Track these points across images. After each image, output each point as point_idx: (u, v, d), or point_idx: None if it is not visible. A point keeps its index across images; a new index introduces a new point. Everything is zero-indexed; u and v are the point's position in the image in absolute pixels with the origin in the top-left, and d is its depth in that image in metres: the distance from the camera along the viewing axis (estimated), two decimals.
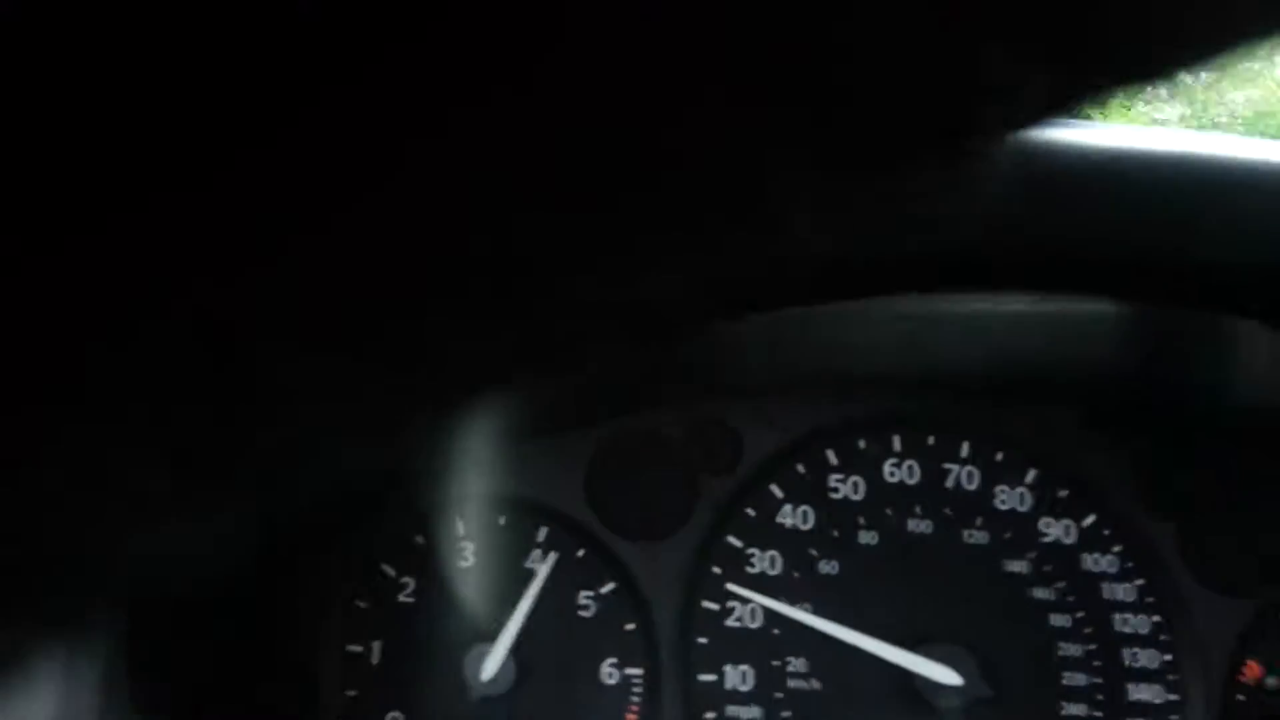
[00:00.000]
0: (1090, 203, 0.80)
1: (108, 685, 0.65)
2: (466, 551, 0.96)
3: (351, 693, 0.93)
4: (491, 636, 0.93)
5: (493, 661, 0.93)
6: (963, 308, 0.97)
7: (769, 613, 0.97)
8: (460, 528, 0.96)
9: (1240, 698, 0.98)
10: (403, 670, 0.94)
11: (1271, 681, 0.99)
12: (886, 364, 1.00)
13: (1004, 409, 1.01)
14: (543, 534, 0.97)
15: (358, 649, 0.94)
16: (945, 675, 0.95)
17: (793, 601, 0.98)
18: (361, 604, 0.94)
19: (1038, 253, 0.85)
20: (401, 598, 0.95)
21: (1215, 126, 1.60)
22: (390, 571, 0.95)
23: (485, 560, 0.95)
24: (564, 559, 0.97)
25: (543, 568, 0.96)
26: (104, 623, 0.64)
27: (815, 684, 0.97)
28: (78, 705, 0.63)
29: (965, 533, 1.00)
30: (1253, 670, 0.98)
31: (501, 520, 0.97)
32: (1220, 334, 0.94)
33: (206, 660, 0.84)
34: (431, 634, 0.94)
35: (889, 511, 1.00)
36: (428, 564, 0.94)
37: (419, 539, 0.96)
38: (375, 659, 0.94)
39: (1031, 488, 1.01)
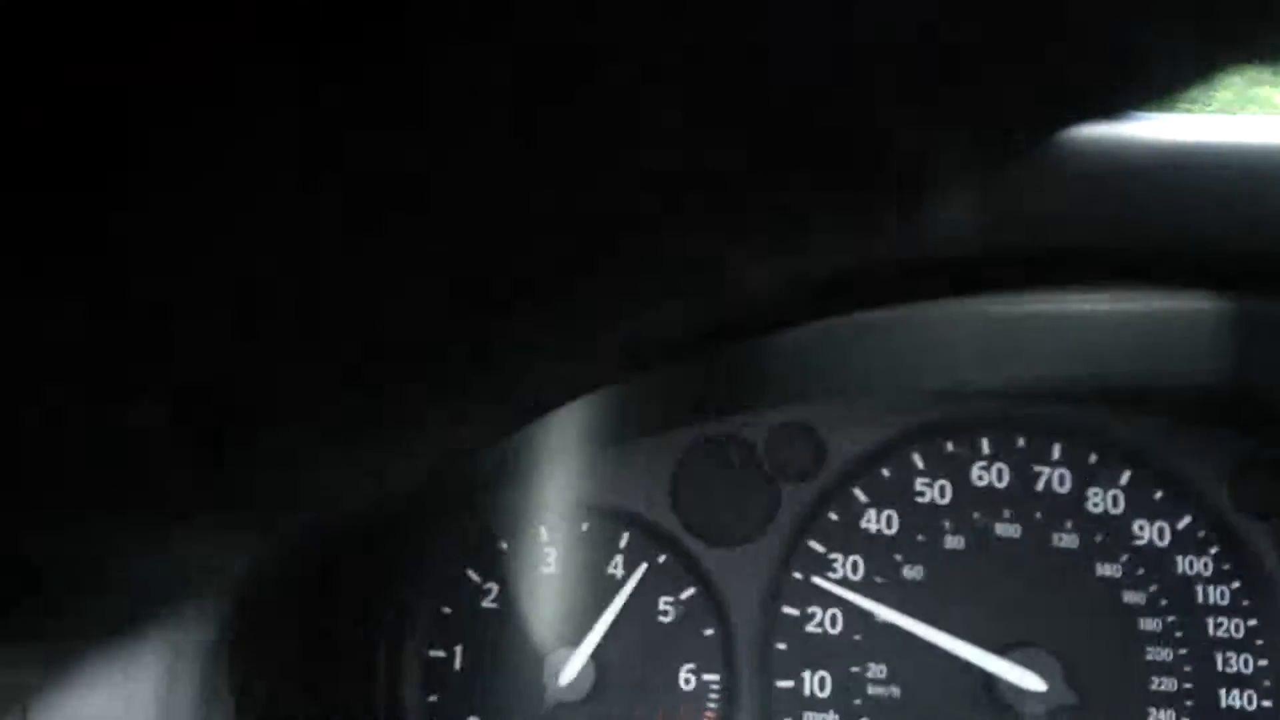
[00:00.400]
0: (1170, 193, 0.77)
1: (206, 686, 0.65)
2: (550, 558, 0.95)
3: (433, 698, 0.94)
4: (572, 642, 0.93)
5: (573, 666, 0.92)
6: (1049, 308, 0.94)
7: (849, 618, 0.96)
8: (544, 534, 0.96)
9: None
10: (483, 675, 0.94)
11: None
12: (973, 367, 0.97)
13: (1096, 411, 0.98)
14: (625, 540, 0.96)
15: (441, 654, 0.94)
16: (1030, 681, 0.93)
17: (873, 606, 0.96)
18: (446, 609, 0.94)
19: (1120, 245, 0.83)
20: (485, 603, 0.95)
21: None
22: (475, 577, 0.95)
23: (568, 567, 0.95)
24: (645, 564, 0.96)
25: (631, 575, 0.95)
26: (201, 619, 0.64)
27: (894, 691, 0.95)
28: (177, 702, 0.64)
29: (1055, 536, 0.97)
30: None
31: (585, 527, 0.96)
32: None
33: (295, 661, 0.84)
34: (513, 639, 0.94)
35: (976, 515, 0.98)
36: (511, 570, 0.94)
37: (503, 545, 0.95)
38: (458, 664, 0.94)
39: (1125, 489, 0.99)
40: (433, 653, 0.94)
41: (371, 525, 0.79)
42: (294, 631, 0.80)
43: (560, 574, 0.95)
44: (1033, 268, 0.86)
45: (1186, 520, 0.98)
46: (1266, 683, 0.96)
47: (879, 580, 0.97)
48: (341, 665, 0.88)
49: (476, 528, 0.95)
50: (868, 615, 0.96)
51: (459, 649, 0.95)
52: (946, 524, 0.97)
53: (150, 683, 0.56)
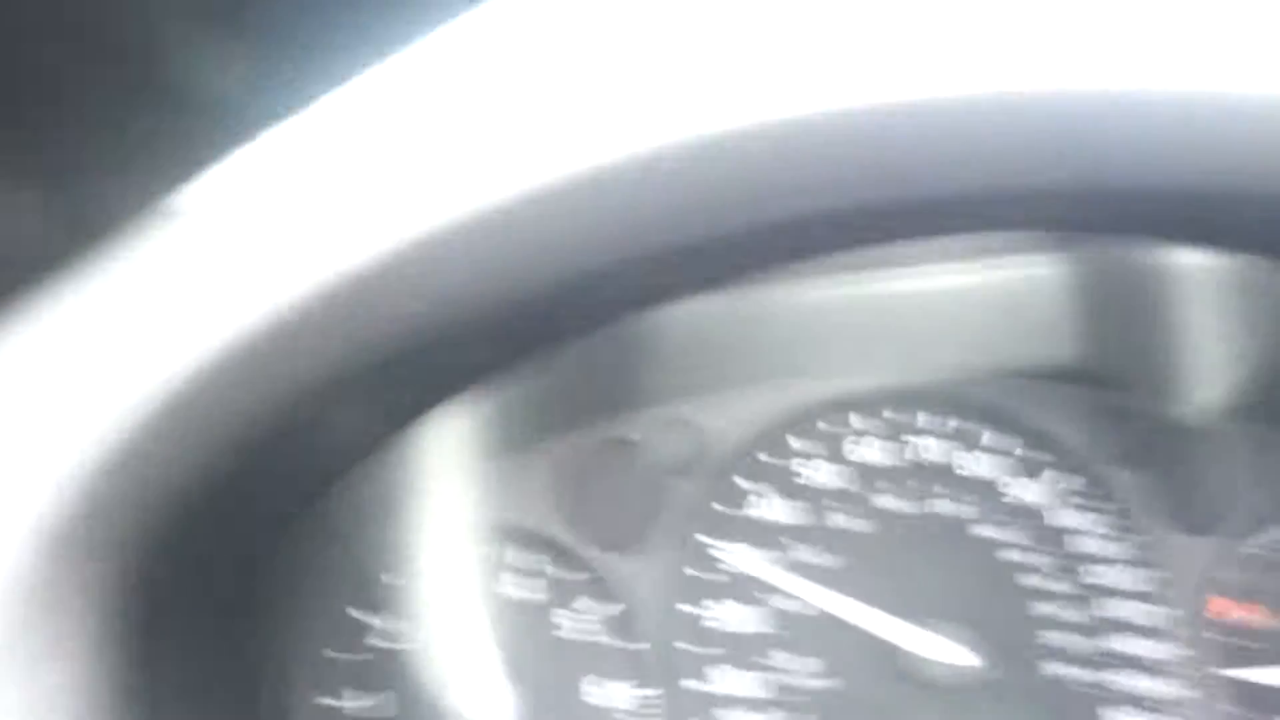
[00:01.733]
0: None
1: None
2: (437, 584, 0.92)
3: None
4: (473, 670, 0.90)
5: (476, 695, 0.89)
6: (910, 284, 0.98)
7: (748, 610, 0.96)
8: (429, 560, 0.92)
9: (1210, 635, 1.00)
10: (379, 717, 0.90)
11: (1239, 616, 1.01)
12: (838, 346, 0.99)
13: (955, 377, 1.02)
14: (512, 556, 0.94)
15: (330, 701, 0.89)
16: (932, 648, 0.95)
17: (771, 594, 0.96)
18: (329, 653, 0.90)
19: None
20: (370, 640, 0.91)
21: None
22: (356, 615, 0.91)
23: (456, 591, 0.92)
24: (535, 578, 0.94)
25: (514, 593, 0.93)
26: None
27: (808, 680, 0.95)
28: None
29: (931, 504, 1.00)
30: (1218, 606, 1.01)
31: (470, 547, 0.93)
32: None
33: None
34: (404, 676, 0.90)
35: (855, 490, 0.99)
36: (396, 604, 0.91)
37: (384, 578, 0.91)
38: (348, 710, 0.90)
39: (988, 450, 1.02)
40: (320, 700, 0.89)
41: (242, 565, 0.74)
42: (167, 680, 0.74)
43: (450, 600, 0.92)
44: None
45: (1052, 475, 1.02)
46: (1146, 623, 0.99)
47: (770, 566, 0.97)
48: (222, 716, 0.83)
49: (354, 563, 0.91)
50: (766, 604, 0.96)
51: (346, 694, 0.90)
52: (828, 503, 0.99)
53: None
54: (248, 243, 0.48)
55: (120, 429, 0.48)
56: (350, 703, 0.90)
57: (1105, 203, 0.57)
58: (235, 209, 0.47)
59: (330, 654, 0.90)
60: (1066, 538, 1.01)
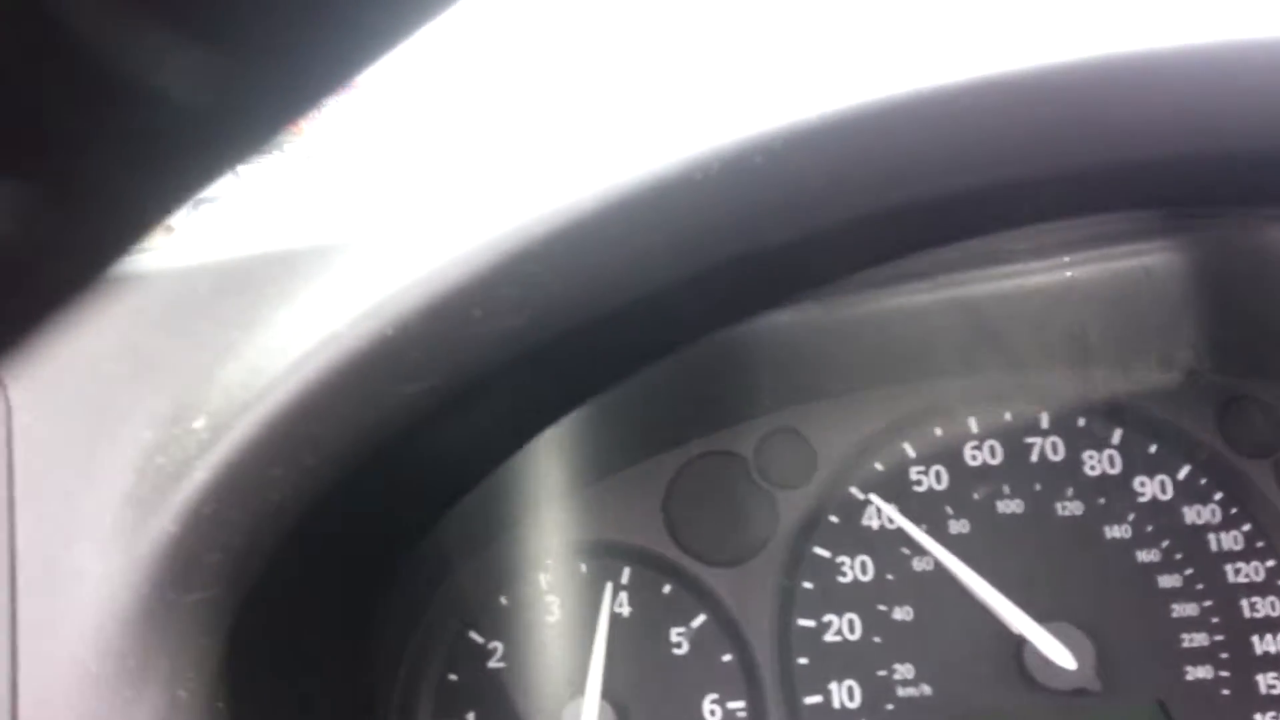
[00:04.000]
0: None
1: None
2: (552, 606, 0.92)
3: None
4: (587, 691, 0.89)
5: (588, 715, 0.88)
6: (1022, 282, 0.94)
7: (868, 621, 0.93)
8: (543, 582, 0.92)
9: None
10: None
11: None
12: (951, 349, 0.96)
13: (1078, 373, 0.97)
14: (626, 575, 0.93)
15: None
16: (1059, 655, 0.90)
17: (891, 605, 0.94)
18: (452, 677, 0.90)
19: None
20: (491, 664, 0.91)
21: None
22: (477, 639, 0.91)
23: (571, 612, 0.91)
24: (651, 596, 0.93)
25: (609, 608, 0.91)
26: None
27: (925, 689, 0.92)
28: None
29: (1059, 506, 0.96)
30: None
31: (583, 567, 0.93)
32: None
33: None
34: (525, 697, 0.90)
35: (976, 496, 0.96)
36: (514, 625, 0.91)
37: (503, 600, 0.92)
38: None
39: (1119, 448, 0.97)
40: None
41: (360, 588, 0.75)
42: (292, 700, 0.76)
43: (564, 620, 0.91)
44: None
45: (1186, 470, 0.97)
46: None
47: (890, 577, 0.94)
48: None
49: (473, 587, 0.91)
50: (886, 615, 0.93)
51: (470, 717, 0.90)
52: (948, 509, 0.95)
53: None
54: (358, 257, 0.49)
55: (233, 447, 0.49)
56: None
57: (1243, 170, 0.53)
58: (346, 222, 0.48)
59: (452, 677, 0.90)
60: (1209, 535, 0.95)
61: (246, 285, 0.55)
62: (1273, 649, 0.93)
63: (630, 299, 0.50)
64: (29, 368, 0.53)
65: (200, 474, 0.50)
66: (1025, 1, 0.50)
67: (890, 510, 0.95)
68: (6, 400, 0.55)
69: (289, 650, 0.64)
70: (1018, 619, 0.90)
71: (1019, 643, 0.91)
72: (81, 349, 0.54)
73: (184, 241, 0.56)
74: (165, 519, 0.51)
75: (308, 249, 0.55)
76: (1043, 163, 0.48)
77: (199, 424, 0.51)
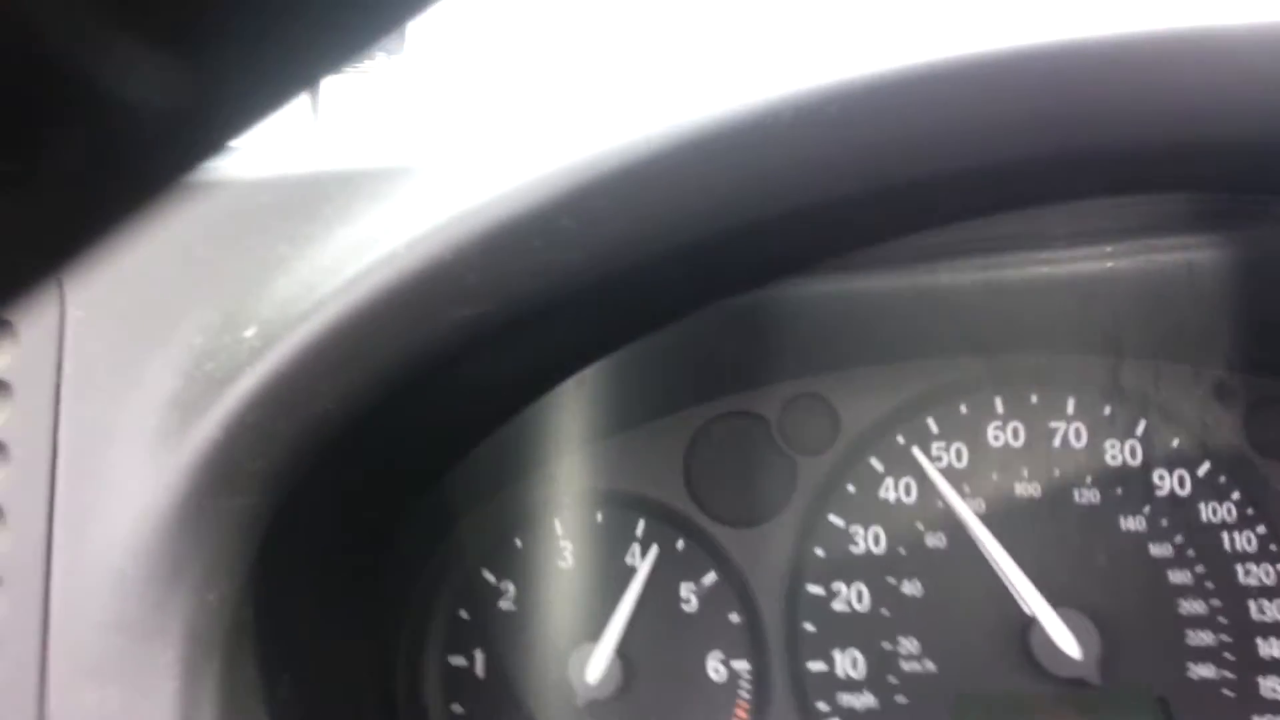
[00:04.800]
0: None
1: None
2: (566, 552, 0.92)
3: (456, 707, 0.90)
4: (595, 637, 0.90)
5: (598, 663, 0.89)
6: (1058, 269, 0.94)
7: (876, 593, 0.94)
8: (558, 528, 0.93)
9: None
10: (508, 679, 0.91)
11: None
12: (980, 329, 0.96)
13: (1107, 361, 0.97)
14: (641, 527, 0.93)
15: (461, 661, 0.91)
16: (1066, 642, 0.91)
17: (900, 579, 0.94)
18: (463, 614, 0.91)
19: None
20: (502, 604, 0.92)
21: None
22: (490, 578, 0.92)
23: (585, 559, 0.92)
24: (664, 551, 0.93)
25: (643, 564, 0.92)
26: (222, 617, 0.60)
27: (929, 664, 0.93)
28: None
29: (1076, 492, 0.96)
30: None
31: (599, 517, 0.93)
32: None
33: (311, 669, 0.81)
34: (535, 640, 0.91)
35: (995, 476, 0.96)
36: (527, 568, 0.91)
37: (517, 542, 0.92)
38: (479, 670, 0.91)
39: (1141, 439, 0.97)
40: (453, 660, 0.91)
41: (387, 516, 0.76)
42: (311, 639, 0.76)
43: (577, 568, 0.92)
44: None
45: (1206, 466, 0.97)
46: None
47: (902, 551, 0.94)
48: (360, 675, 0.85)
49: (489, 527, 0.92)
50: (895, 589, 0.94)
51: (479, 655, 0.91)
52: (966, 488, 0.96)
53: (170, 680, 0.53)
54: (418, 181, 0.49)
55: (282, 357, 0.50)
56: (481, 663, 0.91)
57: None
58: (408, 146, 0.48)
59: (463, 614, 0.91)
60: (1223, 534, 0.95)
61: (304, 202, 0.55)
62: (1278, 653, 0.93)
63: (687, 243, 0.50)
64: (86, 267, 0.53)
65: (248, 382, 0.51)
66: None
67: (931, 469, 0.95)
68: (61, 297, 0.55)
69: (315, 567, 0.64)
70: (1034, 599, 0.90)
71: (1026, 626, 0.91)
72: (138, 252, 0.54)
73: (248, 154, 0.56)
74: (210, 424, 0.51)
75: (368, 170, 0.55)
76: (1107, 134, 0.48)
77: (249, 333, 0.52)
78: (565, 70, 0.55)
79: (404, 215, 0.51)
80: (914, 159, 0.46)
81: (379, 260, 0.49)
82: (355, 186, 0.54)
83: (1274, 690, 0.92)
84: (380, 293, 0.48)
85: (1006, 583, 0.91)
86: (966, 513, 0.93)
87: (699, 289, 0.59)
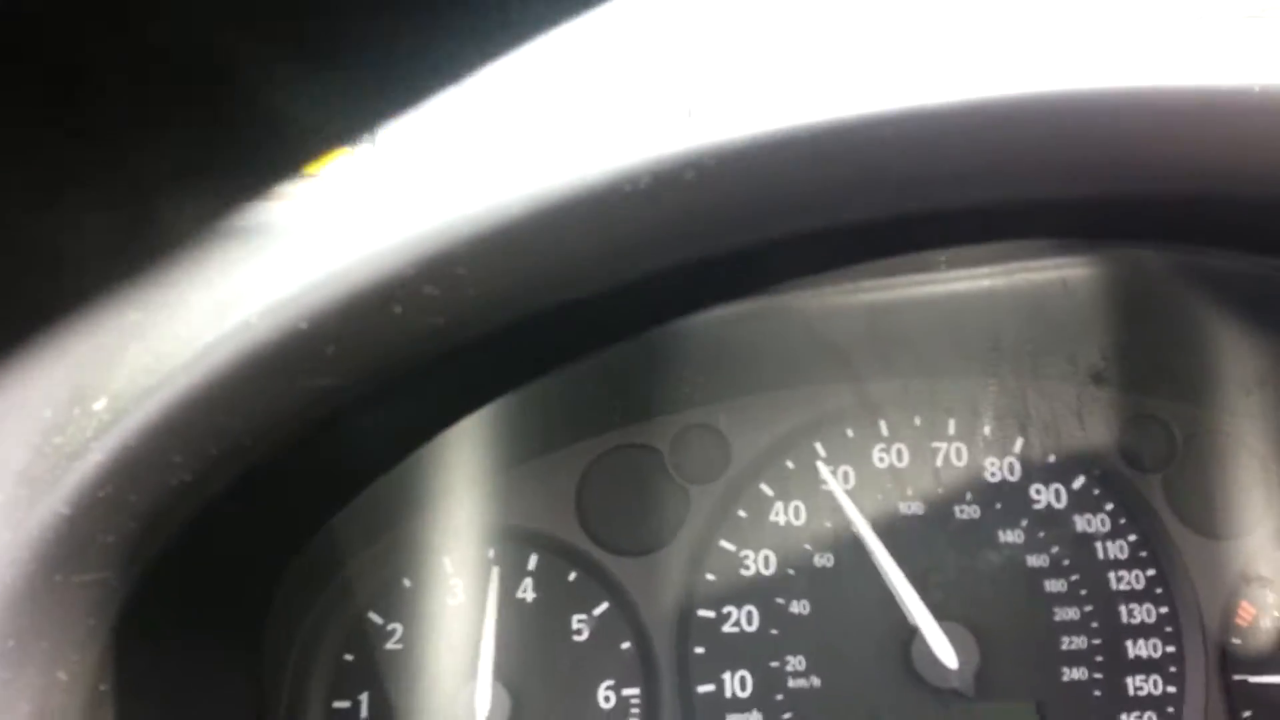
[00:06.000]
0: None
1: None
2: (456, 589, 0.91)
3: None
4: (485, 673, 0.89)
5: (482, 700, 0.88)
6: (937, 289, 0.96)
7: (765, 614, 0.95)
8: (448, 565, 0.92)
9: (1236, 641, 0.98)
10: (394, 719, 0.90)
11: (1266, 622, 0.99)
12: (863, 352, 0.98)
13: (985, 382, 1.00)
14: (533, 561, 0.93)
15: (345, 705, 0.89)
16: (945, 653, 0.93)
17: (789, 599, 0.95)
18: (348, 656, 0.89)
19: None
20: (389, 645, 0.90)
21: None
22: (377, 619, 0.90)
23: (475, 596, 0.91)
24: (556, 584, 0.93)
25: (494, 592, 0.91)
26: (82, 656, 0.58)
27: (815, 680, 0.94)
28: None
29: (958, 509, 0.98)
30: (1246, 612, 0.99)
31: (490, 552, 0.92)
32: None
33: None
34: (423, 679, 0.90)
35: (880, 497, 0.98)
36: (416, 607, 0.90)
37: (406, 582, 0.91)
38: (364, 713, 0.89)
39: (1019, 456, 1.00)
40: (336, 704, 0.89)
41: (262, 575, 0.73)
42: (180, 700, 0.74)
43: (467, 604, 0.91)
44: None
45: (1080, 480, 1.01)
46: (1168, 629, 0.98)
47: (791, 571, 0.96)
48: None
49: (376, 568, 0.90)
50: (784, 608, 0.95)
51: (364, 697, 0.89)
52: (854, 509, 0.97)
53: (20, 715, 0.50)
54: (274, 243, 0.47)
55: (132, 430, 0.48)
56: (366, 706, 0.89)
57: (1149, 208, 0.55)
58: (264, 206, 0.46)
59: (348, 657, 0.89)
60: (1096, 543, 0.99)
61: (155, 265, 0.53)
62: (1144, 653, 0.97)
63: (553, 305, 0.49)
64: None
65: (97, 456, 0.49)
66: (959, 30, 0.50)
67: (835, 485, 0.96)
68: None
69: (178, 634, 0.62)
70: (918, 611, 0.93)
71: (908, 640, 0.93)
72: None
73: None
74: (58, 499, 0.49)
75: (223, 230, 0.53)
76: (973, 193, 0.49)
77: (99, 405, 0.49)
78: (426, 132, 0.54)
79: (259, 280, 0.49)
80: (770, 220, 0.47)
81: (231, 330, 0.47)
82: (209, 248, 0.52)
83: (1139, 688, 0.96)
84: (233, 365, 0.46)
85: (895, 595, 0.93)
86: (863, 525, 0.95)
87: (571, 344, 0.59)
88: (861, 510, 0.97)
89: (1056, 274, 0.97)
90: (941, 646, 0.93)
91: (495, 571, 0.92)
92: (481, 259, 0.46)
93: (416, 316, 0.47)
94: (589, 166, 0.46)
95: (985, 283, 0.97)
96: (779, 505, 0.97)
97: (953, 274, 0.97)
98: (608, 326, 0.60)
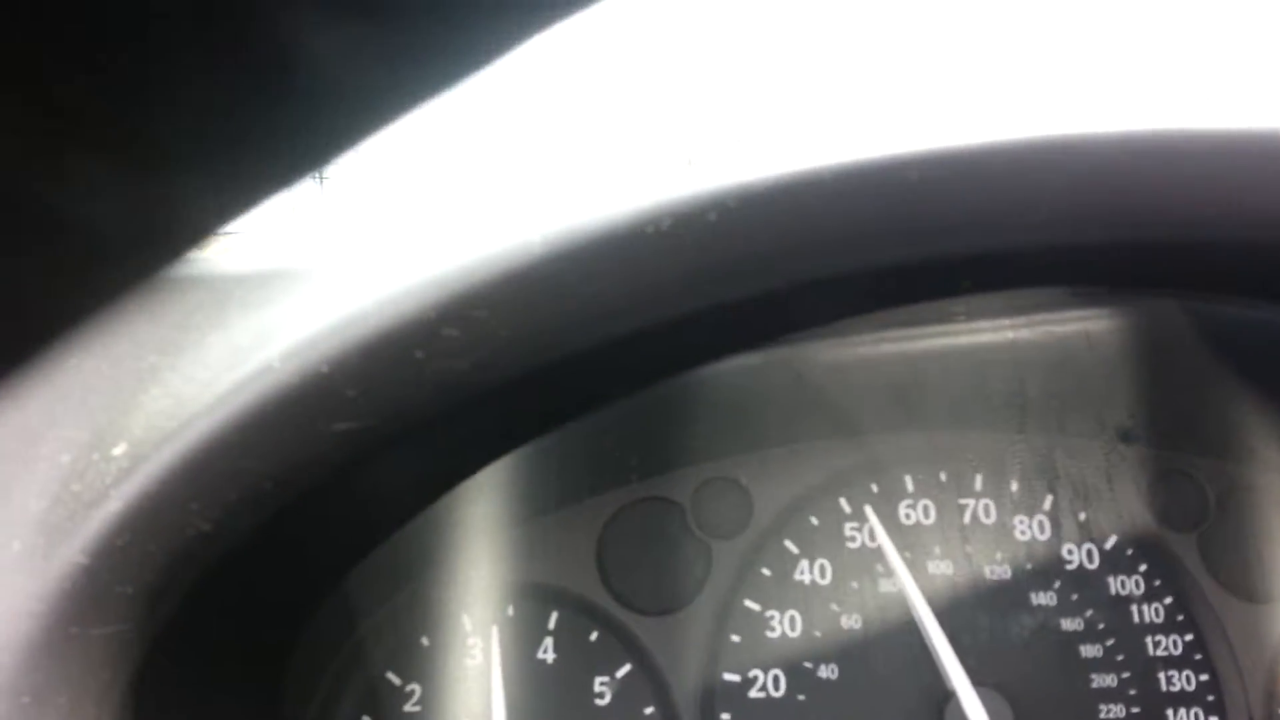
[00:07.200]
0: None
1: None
2: (475, 649, 0.89)
3: None
4: None
5: None
6: (948, 341, 0.95)
7: (792, 679, 0.93)
8: (467, 624, 0.90)
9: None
10: None
11: None
12: (885, 405, 0.97)
13: (1013, 437, 0.99)
14: (554, 620, 0.91)
15: None
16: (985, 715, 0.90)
17: (816, 662, 0.93)
18: (366, 718, 0.87)
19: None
20: (408, 707, 0.88)
21: None
22: (395, 680, 0.88)
23: (496, 656, 0.89)
24: (577, 644, 0.91)
25: (497, 653, 0.89)
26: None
27: None
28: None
29: (988, 569, 0.96)
30: None
31: (510, 610, 0.91)
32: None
33: None
34: None
35: (908, 555, 0.96)
36: (434, 667, 0.88)
37: (424, 640, 0.89)
38: None
39: (1049, 514, 0.98)
40: None
41: (280, 630, 0.72)
42: None
43: (486, 665, 0.89)
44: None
45: (1113, 540, 0.98)
46: (1210, 698, 0.95)
47: (817, 634, 0.93)
48: None
49: (393, 626, 0.89)
50: (811, 672, 0.92)
51: None
52: (879, 567, 0.95)
53: None
54: (297, 287, 0.47)
55: (151, 477, 0.47)
56: None
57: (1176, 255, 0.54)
58: (286, 249, 0.46)
59: (366, 719, 0.87)
60: (1131, 606, 0.96)
61: (174, 308, 0.53)
62: None
63: (578, 349, 0.49)
64: None
65: (116, 504, 0.48)
66: (975, 76, 0.51)
67: (884, 538, 0.94)
68: None
69: (196, 688, 0.61)
70: (957, 675, 0.90)
71: (941, 706, 0.91)
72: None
73: None
74: (76, 548, 0.49)
75: (242, 275, 0.54)
76: (991, 238, 0.49)
77: (118, 451, 0.49)
78: (447, 175, 0.54)
79: (279, 324, 0.49)
80: (791, 263, 0.46)
81: (252, 373, 0.47)
82: (228, 292, 0.52)
83: None
84: (253, 409, 0.46)
85: (935, 657, 0.91)
86: (909, 583, 0.92)
87: (596, 390, 0.58)
88: (888, 570, 0.95)
89: (1080, 326, 0.96)
90: (978, 714, 0.90)
91: (495, 632, 0.90)
92: (502, 301, 0.46)
93: (438, 360, 0.47)
94: (609, 208, 0.46)
95: (1009, 335, 0.97)
96: (804, 563, 0.95)
97: (975, 325, 0.96)
98: (630, 374, 0.60)
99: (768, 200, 0.45)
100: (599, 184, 0.48)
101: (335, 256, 0.53)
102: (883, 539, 0.94)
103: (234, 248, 0.56)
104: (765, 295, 0.48)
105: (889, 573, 0.95)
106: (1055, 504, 0.98)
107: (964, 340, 0.96)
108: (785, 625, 0.94)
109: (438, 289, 0.46)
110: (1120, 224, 0.50)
